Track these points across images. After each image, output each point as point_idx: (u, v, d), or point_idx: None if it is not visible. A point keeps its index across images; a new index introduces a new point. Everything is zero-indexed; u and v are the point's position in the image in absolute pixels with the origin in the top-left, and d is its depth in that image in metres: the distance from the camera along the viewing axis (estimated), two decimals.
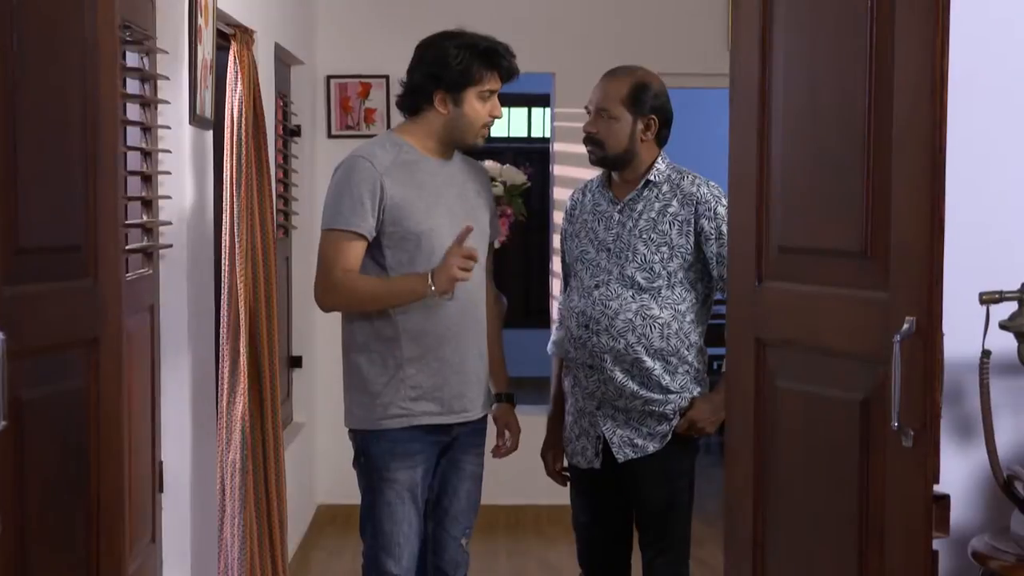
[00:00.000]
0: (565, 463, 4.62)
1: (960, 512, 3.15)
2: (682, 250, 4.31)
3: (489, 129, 4.30)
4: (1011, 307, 3.01)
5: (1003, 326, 3.00)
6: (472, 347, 4.29)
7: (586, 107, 4.46)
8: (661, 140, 4.44)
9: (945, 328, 2.85)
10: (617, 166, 4.45)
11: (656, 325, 4.30)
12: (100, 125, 3.31)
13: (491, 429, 4.48)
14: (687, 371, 4.35)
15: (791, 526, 3.40)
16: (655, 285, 4.31)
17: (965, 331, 3.02)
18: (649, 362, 4.30)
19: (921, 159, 2.87)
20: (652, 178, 4.39)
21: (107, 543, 3.40)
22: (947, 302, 2.85)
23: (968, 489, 3.20)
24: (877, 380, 3.01)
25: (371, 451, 4.23)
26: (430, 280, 4.07)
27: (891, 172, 2.98)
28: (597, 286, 4.39)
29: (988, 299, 2.99)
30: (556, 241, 7.60)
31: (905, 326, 2.87)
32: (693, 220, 4.31)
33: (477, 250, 4.16)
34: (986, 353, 3.02)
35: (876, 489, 3.02)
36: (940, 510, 2.88)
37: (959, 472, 3.17)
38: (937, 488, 2.86)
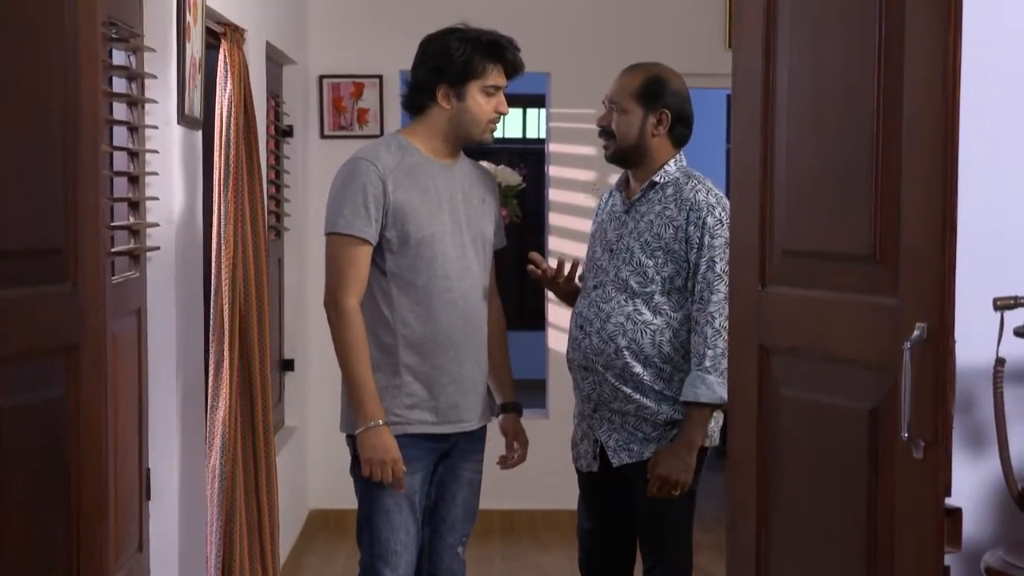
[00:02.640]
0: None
1: (972, 526, 3.08)
2: (676, 256, 4.23)
3: (496, 125, 4.25)
4: None
5: (1018, 333, 2.93)
6: (470, 356, 4.23)
7: (603, 100, 4.42)
8: (677, 139, 4.38)
9: (957, 335, 2.79)
10: (628, 161, 4.39)
11: (647, 331, 4.23)
12: (81, 124, 3.23)
13: (495, 438, 4.43)
14: (683, 379, 4.25)
15: (796, 540, 3.33)
16: (648, 290, 4.24)
17: (978, 338, 2.95)
18: (638, 368, 4.23)
19: (932, 158, 2.80)
20: (657, 179, 4.32)
21: (88, 556, 3.32)
22: (959, 308, 2.79)
23: (981, 502, 3.13)
24: (886, 389, 2.94)
25: None
26: (372, 425, 4.04)
27: (901, 172, 2.91)
28: (595, 287, 4.35)
29: (1003, 304, 2.92)
30: (552, 243, 7.58)
31: (915, 332, 2.80)
32: (685, 226, 4.23)
33: (476, 264, 4.21)
34: (1000, 361, 2.94)
35: (885, 502, 2.95)
36: (952, 524, 2.82)
37: (971, 484, 3.10)
38: (949, 501, 2.80)
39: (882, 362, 2.94)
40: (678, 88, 4.36)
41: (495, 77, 4.18)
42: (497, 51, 4.18)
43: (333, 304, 4.10)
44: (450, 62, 4.13)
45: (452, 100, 4.17)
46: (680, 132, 4.37)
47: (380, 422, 4.05)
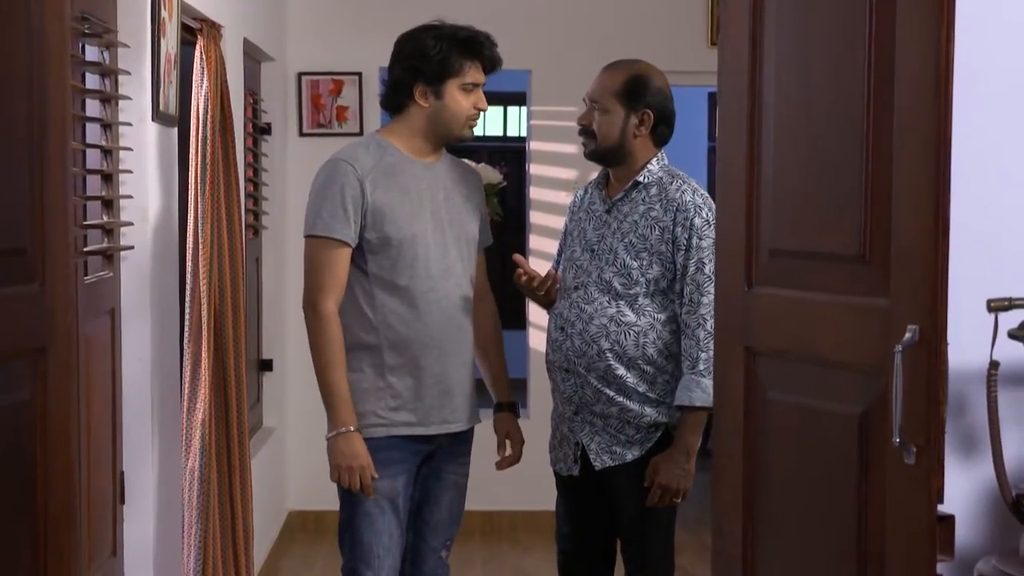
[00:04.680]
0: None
1: (965, 533, 3.02)
2: (662, 257, 4.17)
3: (475, 121, 4.21)
4: (1020, 315, 2.87)
5: (1012, 335, 2.87)
6: (455, 357, 4.18)
7: (583, 98, 4.36)
8: (659, 138, 4.32)
9: (950, 337, 2.74)
10: (609, 160, 4.33)
11: (631, 333, 4.17)
12: (48, 120, 3.14)
13: (491, 439, 4.39)
14: (667, 381, 4.21)
15: (784, 548, 3.27)
16: (632, 292, 4.18)
17: (971, 340, 2.89)
18: (621, 370, 4.18)
19: (924, 156, 2.74)
20: (641, 179, 4.26)
21: (56, 562, 3.24)
22: (952, 309, 2.74)
23: (974, 509, 3.06)
24: (877, 393, 2.88)
25: None
26: (343, 431, 4.02)
27: (891, 170, 2.84)
28: (576, 288, 4.29)
29: (996, 306, 2.86)
30: (532, 241, 7.52)
31: (907, 335, 2.74)
32: (671, 227, 4.16)
33: (460, 264, 4.17)
34: (994, 364, 2.88)
35: (876, 509, 2.89)
36: (944, 531, 2.78)
37: (964, 491, 3.03)
38: (941, 508, 2.75)
39: (873, 365, 2.89)
40: (660, 86, 4.30)
41: (473, 74, 4.14)
42: (474, 48, 4.15)
43: (311, 307, 4.08)
44: (427, 61, 4.10)
45: (430, 99, 4.13)
46: (662, 131, 4.31)
47: (351, 428, 4.02)
